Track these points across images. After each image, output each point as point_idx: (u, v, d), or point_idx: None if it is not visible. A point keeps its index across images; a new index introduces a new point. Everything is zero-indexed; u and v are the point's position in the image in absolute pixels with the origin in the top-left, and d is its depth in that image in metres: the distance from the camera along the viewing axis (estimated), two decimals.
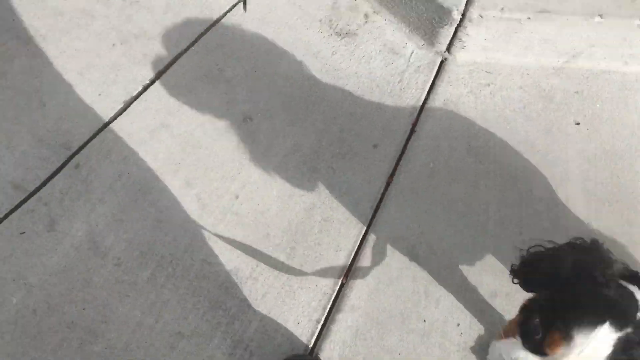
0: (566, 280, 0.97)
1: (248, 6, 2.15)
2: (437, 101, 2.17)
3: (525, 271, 1.10)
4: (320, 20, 2.22)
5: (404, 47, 2.30)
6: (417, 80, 2.25)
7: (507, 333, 0.99)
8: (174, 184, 1.95)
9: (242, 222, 1.84)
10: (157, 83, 2.05)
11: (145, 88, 2.05)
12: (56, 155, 1.95)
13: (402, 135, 2.01)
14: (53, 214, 1.86)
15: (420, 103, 2.16)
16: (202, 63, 2.09)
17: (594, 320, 0.89)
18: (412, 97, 2.19)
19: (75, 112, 2.00)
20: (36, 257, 1.81)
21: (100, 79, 2.02)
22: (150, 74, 2.05)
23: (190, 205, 1.92)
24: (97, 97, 2.02)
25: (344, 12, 2.26)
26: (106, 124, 2.01)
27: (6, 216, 1.86)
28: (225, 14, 2.16)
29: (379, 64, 2.26)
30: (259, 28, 2.16)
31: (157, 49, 2.08)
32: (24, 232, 1.85)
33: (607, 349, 0.88)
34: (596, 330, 0.88)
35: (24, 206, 1.88)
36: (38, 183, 1.90)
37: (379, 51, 2.27)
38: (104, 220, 1.87)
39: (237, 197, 1.91)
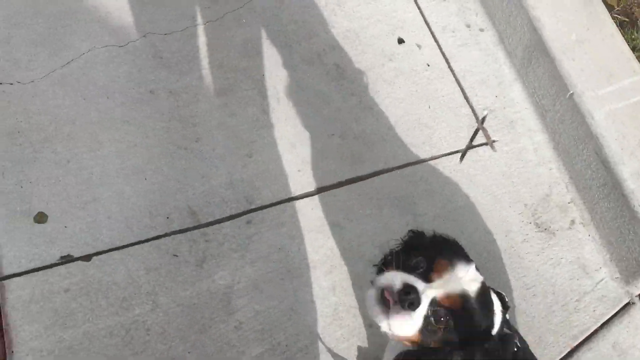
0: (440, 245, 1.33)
1: (465, 161, 2.42)
2: (605, 340, 2.18)
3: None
4: (525, 205, 2.41)
5: (596, 271, 2.39)
6: (595, 310, 2.29)
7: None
8: (322, 284, 2.13)
9: (364, 345, 1.95)
10: (353, 185, 2.33)
11: (340, 184, 2.33)
12: (236, 203, 2.24)
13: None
14: (208, 253, 2.12)
15: (587, 334, 2.20)
16: (399, 187, 2.33)
17: (468, 259, 1.26)
18: (582, 323, 2.22)
19: (271, 175, 2.31)
20: (175, 282, 2.04)
21: (305, 157, 2.35)
22: (350, 174, 2.32)
23: (326, 310, 2.07)
24: (295, 172, 2.33)
25: (552, 209, 2.44)
26: (291, 199, 2.29)
27: (171, 234, 2.16)
28: (441, 156, 2.44)
29: (564, 274, 2.35)
30: (464, 183, 2.39)
31: (367, 156, 2.38)
32: (177, 256, 2.11)
33: (476, 285, 1.20)
34: (471, 264, 1.23)
35: (189, 234, 2.15)
36: (210, 219, 2.18)
37: (570, 262, 2.38)
38: (245, 282, 2.08)
39: (370, 326, 2.04)
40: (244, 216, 2.11)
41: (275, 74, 2.32)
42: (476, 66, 2.46)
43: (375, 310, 1.22)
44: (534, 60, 2.33)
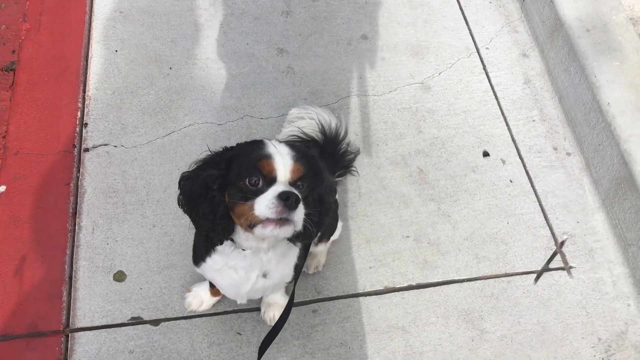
0: None
1: (539, 284, 2.40)
2: None
3: None
4: (599, 339, 2.33)
5: None
6: None
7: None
8: None
9: None
10: (422, 290, 2.33)
11: (410, 288, 2.35)
12: (305, 290, 2.27)
13: None
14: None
15: None
16: (468, 300, 2.31)
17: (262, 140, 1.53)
18: None
19: (343, 267, 2.36)
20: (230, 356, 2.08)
21: (378, 255, 2.39)
22: (420, 279, 2.33)
23: None
24: (367, 268, 2.37)
25: (627, 348, 2.34)
26: (359, 294, 2.32)
27: (238, 311, 2.22)
28: (514, 274, 2.43)
29: None
30: (535, 305, 2.33)
31: (439, 263, 2.39)
32: (240, 334, 2.15)
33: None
34: (272, 141, 1.51)
35: (255, 314, 2.19)
36: None
37: None
38: None
39: None
40: (311, 305, 2.15)
41: (360, 169, 2.42)
42: (559, 189, 2.49)
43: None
44: (621, 192, 2.34)
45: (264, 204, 1.35)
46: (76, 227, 2.23)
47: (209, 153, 1.52)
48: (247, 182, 1.39)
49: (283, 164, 1.40)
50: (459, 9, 2.98)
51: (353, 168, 2.35)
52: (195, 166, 1.51)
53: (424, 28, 2.90)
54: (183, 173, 1.51)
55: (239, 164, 1.44)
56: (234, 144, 1.53)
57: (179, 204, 1.50)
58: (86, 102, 2.55)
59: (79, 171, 2.37)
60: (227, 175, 1.43)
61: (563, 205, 2.44)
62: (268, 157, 1.40)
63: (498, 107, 2.68)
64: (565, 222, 2.41)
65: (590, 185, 2.48)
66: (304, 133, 2.22)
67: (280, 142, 1.50)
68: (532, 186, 2.48)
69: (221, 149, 1.52)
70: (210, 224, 1.45)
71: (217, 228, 1.45)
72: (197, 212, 1.46)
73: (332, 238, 2.13)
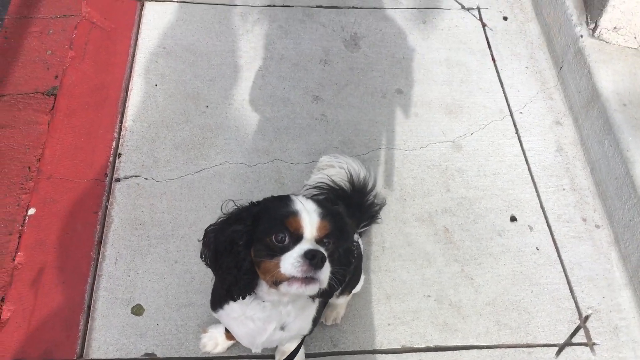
0: None
1: (561, 358, 2.35)
2: None
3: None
4: None
5: None
6: None
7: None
8: None
9: None
10: (440, 353, 2.30)
11: (427, 349, 2.31)
12: (321, 342, 2.25)
13: None
14: None
15: None
16: None
17: (290, 197, 1.53)
18: None
19: (361, 321, 2.32)
20: None
21: (397, 312, 2.37)
22: (439, 341, 2.28)
23: None
24: (385, 325, 2.34)
25: None
26: (375, 351, 2.29)
27: (252, 357, 2.21)
28: (535, 345, 2.39)
29: None
30: None
31: (459, 326, 2.35)
32: None
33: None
34: (299, 197, 1.51)
35: None
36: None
37: None
38: None
39: None
40: (326, 357, 2.13)
41: (386, 222, 2.43)
42: (586, 262, 2.46)
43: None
44: None
45: (290, 262, 1.37)
46: (100, 256, 2.26)
47: (235, 207, 1.54)
48: (273, 239, 1.40)
49: (310, 221, 1.42)
50: (495, 72, 3.03)
51: (379, 218, 2.36)
52: (220, 220, 1.53)
53: (459, 87, 2.94)
54: (208, 227, 1.53)
55: (265, 220, 1.46)
56: (261, 197, 1.56)
57: (201, 257, 1.53)
58: (122, 133, 2.61)
59: (108, 200, 2.41)
60: (253, 231, 1.45)
61: (589, 279, 2.42)
62: (295, 214, 1.42)
63: (528, 173, 2.69)
64: (590, 296, 2.38)
65: (618, 260, 2.46)
66: (332, 181, 2.25)
67: (307, 198, 1.52)
68: (559, 256, 2.46)
69: (247, 204, 1.54)
70: (233, 279, 1.47)
71: (239, 283, 1.47)
72: (220, 267, 1.48)
73: (354, 291, 2.13)
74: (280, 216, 1.42)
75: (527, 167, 2.72)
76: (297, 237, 1.41)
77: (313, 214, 1.43)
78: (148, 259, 2.28)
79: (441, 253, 2.42)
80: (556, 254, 2.47)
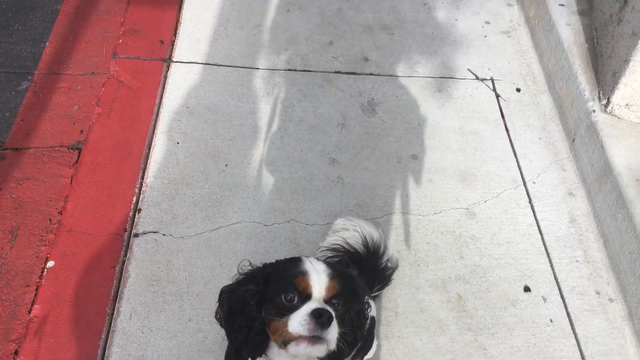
0: None
1: None
2: None
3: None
4: None
5: None
6: None
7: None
8: None
9: None
10: None
11: None
12: None
13: None
14: None
15: None
16: None
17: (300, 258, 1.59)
18: None
19: None
20: None
21: None
22: None
23: None
24: None
25: None
26: None
27: None
28: None
29: None
30: None
31: None
32: None
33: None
34: (310, 259, 1.58)
35: None
36: None
37: None
38: None
39: None
40: None
41: (399, 288, 2.45)
42: (600, 336, 2.47)
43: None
44: None
45: (297, 321, 1.41)
46: (115, 312, 2.29)
47: (250, 267, 1.60)
48: (282, 299, 1.45)
49: (318, 281, 1.47)
50: (508, 141, 3.11)
51: (391, 281, 2.39)
52: (235, 280, 1.58)
53: (473, 155, 3.02)
54: (224, 287, 1.58)
55: (276, 280, 1.52)
56: (277, 257, 1.63)
57: (215, 317, 1.57)
58: (143, 189, 2.68)
59: (125, 255, 2.46)
60: (264, 291, 1.50)
61: (603, 354, 2.41)
62: (304, 274, 1.47)
63: (542, 243, 2.73)
64: None
65: (632, 336, 2.46)
66: (347, 244, 2.29)
67: (318, 259, 1.57)
68: (573, 329, 2.47)
69: (261, 265, 1.59)
70: (243, 338, 1.50)
71: (249, 343, 1.50)
72: (232, 326, 1.52)
73: (366, 357, 2.13)
74: (290, 276, 1.47)
75: (540, 237, 2.76)
76: (306, 297, 1.45)
77: (322, 275, 1.48)
78: (162, 316, 2.31)
79: (454, 321, 2.43)
80: (570, 327, 2.48)
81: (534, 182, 2.97)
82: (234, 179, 2.80)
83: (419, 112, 3.21)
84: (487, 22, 3.76)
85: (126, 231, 2.54)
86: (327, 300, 1.48)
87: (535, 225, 2.80)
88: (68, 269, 2.39)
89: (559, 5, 3.47)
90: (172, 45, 3.34)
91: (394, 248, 2.63)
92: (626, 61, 2.79)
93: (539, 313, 2.51)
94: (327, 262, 1.61)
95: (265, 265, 1.61)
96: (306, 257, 1.58)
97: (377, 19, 3.67)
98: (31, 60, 3.31)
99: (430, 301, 2.49)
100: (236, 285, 1.60)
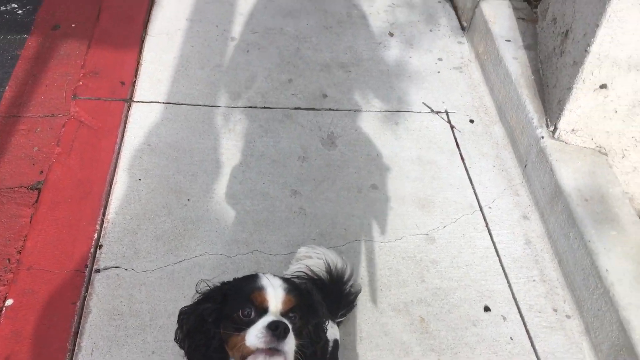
0: None
1: None
2: None
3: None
4: None
5: None
6: None
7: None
8: None
9: None
10: None
11: None
12: None
13: None
14: None
15: None
16: None
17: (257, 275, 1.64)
18: None
19: None
20: None
21: None
22: None
23: None
24: None
25: None
26: None
27: None
28: None
29: None
30: None
31: None
32: None
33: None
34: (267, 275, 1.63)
35: None
36: None
37: None
38: None
39: None
40: None
41: (363, 313, 2.51)
42: (560, 351, 2.55)
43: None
44: (621, 359, 2.40)
45: (254, 334, 1.46)
46: (76, 348, 2.28)
47: (208, 287, 1.64)
48: (240, 314, 1.50)
49: (275, 295, 1.52)
50: (464, 170, 3.24)
51: (355, 305, 2.44)
52: (193, 300, 1.63)
53: (430, 184, 3.14)
54: (182, 308, 1.62)
55: (233, 297, 1.57)
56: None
57: (175, 339, 1.60)
58: (104, 225, 2.71)
59: (87, 291, 2.47)
60: (222, 308, 1.55)
61: None
62: (260, 289, 1.53)
63: (499, 264, 2.83)
64: None
65: (589, 350, 2.55)
66: (311, 271, 2.35)
67: (275, 276, 1.63)
68: (533, 346, 2.55)
69: (219, 284, 1.64)
70: (202, 356, 1.54)
71: None
72: (190, 344, 1.55)
73: None
74: (247, 292, 1.53)
75: (498, 258, 2.86)
76: (263, 311, 1.50)
77: (278, 289, 1.54)
78: (124, 349, 2.31)
79: (418, 342, 2.49)
80: (530, 344, 2.56)
81: (489, 207, 3.10)
82: (197, 212, 2.84)
83: (377, 144, 3.33)
84: (440, 59, 3.96)
85: (87, 267, 2.55)
86: (284, 314, 1.54)
87: (493, 247, 2.91)
88: (27, 307, 2.38)
89: (506, 40, 3.69)
90: (133, 85, 3.42)
91: (357, 274, 2.69)
92: (569, 89, 2.98)
93: (499, 332, 2.58)
94: (284, 277, 1.67)
95: (223, 284, 1.66)
96: (263, 273, 1.63)
97: (334, 57, 3.83)
98: None
99: (393, 324, 2.55)
100: (194, 305, 1.64)
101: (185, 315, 1.62)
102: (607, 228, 2.72)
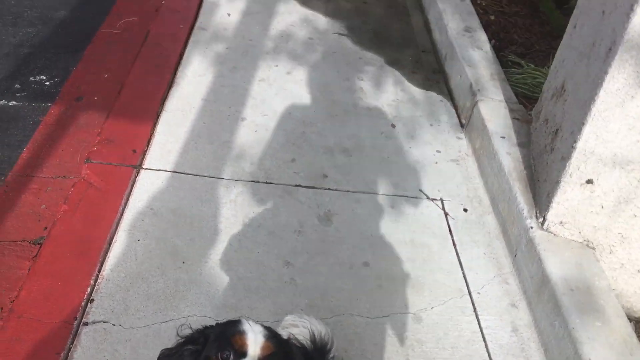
0: None
1: None
2: None
3: None
4: None
5: None
6: None
7: None
8: None
9: None
10: None
11: None
12: None
13: None
14: None
15: None
16: None
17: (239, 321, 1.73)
18: None
19: None
20: None
21: None
22: None
23: None
24: None
25: None
26: None
27: None
28: None
29: None
30: None
31: None
32: None
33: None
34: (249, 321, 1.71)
35: None
36: None
37: None
38: None
39: None
40: None
41: None
42: None
43: None
44: None
45: None
46: None
47: (190, 330, 1.72)
48: (219, 356, 1.57)
49: (255, 340, 1.59)
50: (455, 255, 3.33)
51: None
52: (175, 343, 1.70)
53: (422, 266, 3.22)
54: (162, 350, 1.69)
55: (214, 340, 1.64)
56: None
57: None
58: (98, 280, 2.79)
59: (72, 343, 2.51)
60: (203, 350, 1.62)
61: None
62: (241, 333, 1.61)
63: (485, 350, 2.84)
64: None
65: None
66: (295, 339, 2.39)
67: (257, 322, 1.71)
68: None
69: (202, 327, 1.72)
70: None
71: None
72: None
73: None
74: (228, 335, 1.60)
75: (484, 344, 2.88)
76: (242, 355, 1.57)
77: (259, 335, 1.61)
78: None
79: None
80: None
81: (478, 293, 3.15)
82: (190, 275, 2.93)
83: (372, 225, 3.45)
84: (438, 151, 4.16)
85: (76, 319, 2.61)
86: (261, 359, 1.59)
87: (480, 332, 2.93)
88: (12, 354, 2.42)
89: (501, 137, 3.90)
90: (144, 154, 3.61)
91: (342, 347, 2.72)
92: (557, 182, 3.13)
93: None
94: (266, 326, 1.74)
95: (206, 328, 1.73)
96: (246, 319, 1.71)
97: (337, 142, 4.04)
98: (7, 164, 3.53)
99: None
100: (176, 347, 1.70)
101: (166, 358, 1.68)
102: (592, 319, 2.76)
